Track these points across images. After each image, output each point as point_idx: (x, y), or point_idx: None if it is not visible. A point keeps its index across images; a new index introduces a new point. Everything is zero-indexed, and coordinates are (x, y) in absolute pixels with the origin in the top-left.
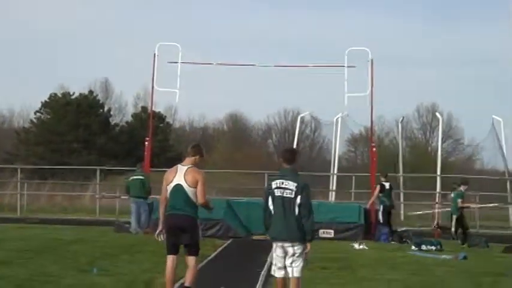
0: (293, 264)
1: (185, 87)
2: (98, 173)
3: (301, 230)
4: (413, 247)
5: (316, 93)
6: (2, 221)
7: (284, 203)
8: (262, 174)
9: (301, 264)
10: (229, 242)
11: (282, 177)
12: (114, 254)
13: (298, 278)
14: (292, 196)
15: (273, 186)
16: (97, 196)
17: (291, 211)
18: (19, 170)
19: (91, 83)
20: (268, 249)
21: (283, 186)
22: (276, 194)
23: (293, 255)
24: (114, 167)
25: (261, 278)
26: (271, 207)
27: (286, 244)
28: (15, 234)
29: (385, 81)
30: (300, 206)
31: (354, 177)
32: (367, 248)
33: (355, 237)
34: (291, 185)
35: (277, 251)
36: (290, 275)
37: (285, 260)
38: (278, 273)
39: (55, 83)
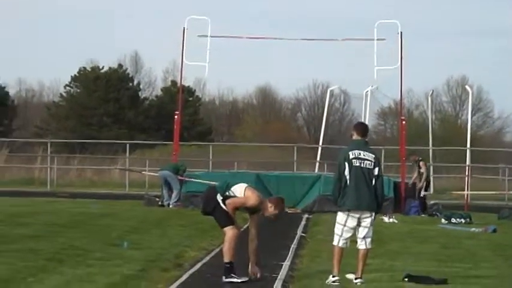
0: (367, 235)
1: (214, 61)
2: (127, 147)
3: (376, 201)
4: (443, 220)
5: (346, 66)
6: (32, 195)
7: (363, 174)
8: (291, 147)
9: (372, 235)
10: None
11: (359, 148)
12: (144, 228)
13: (369, 249)
14: (371, 167)
15: (351, 156)
16: (118, 167)
17: (369, 182)
18: (49, 144)
19: (120, 57)
20: (297, 222)
21: (361, 156)
22: (355, 164)
23: (369, 225)
24: (143, 141)
25: (291, 251)
26: (347, 177)
27: (364, 215)
28: (45, 208)
29: (415, 54)
30: (377, 177)
31: (383, 150)
32: (396, 221)
33: (384, 210)
34: (370, 156)
35: (349, 221)
36: (364, 246)
37: (356, 231)
38: (342, 243)
39: (85, 57)
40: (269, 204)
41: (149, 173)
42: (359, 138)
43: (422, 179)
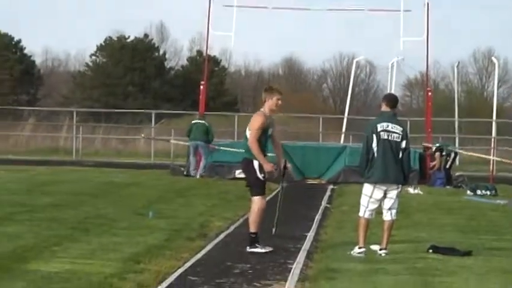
0: (392, 206)
1: (240, 31)
2: (153, 116)
3: (403, 173)
4: (468, 192)
5: (372, 37)
6: (57, 164)
7: (391, 146)
8: (317, 118)
9: (397, 207)
10: (284, 185)
11: (387, 120)
12: (169, 197)
13: (394, 220)
14: (399, 140)
15: (379, 128)
16: (144, 136)
17: (396, 155)
18: (74, 113)
19: (146, 27)
20: (322, 193)
21: (389, 129)
22: (382, 137)
23: (394, 197)
24: (169, 111)
25: (316, 222)
26: (374, 149)
27: (391, 187)
28: (70, 177)
29: (441, 25)
30: (404, 150)
31: (409, 121)
32: (422, 192)
33: (410, 181)
34: (398, 129)
35: (375, 193)
36: (389, 218)
37: (381, 202)
38: (367, 215)
39: (111, 26)
40: (267, 102)
41: (176, 141)
42: (388, 109)
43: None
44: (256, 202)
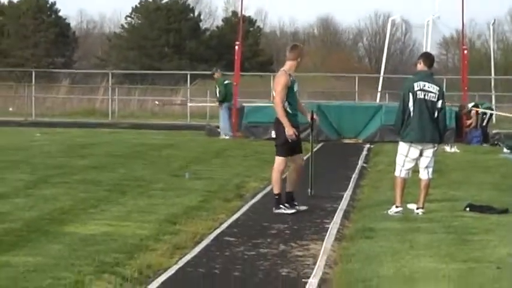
0: (429, 165)
1: None
2: (188, 77)
3: (439, 132)
4: (505, 149)
5: None
6: (93, 126)
7: (427, 106)
8: (353, 77)
9: (433, 165)
10: (320, 145)
11: (424, 79)
12: (205, 158)
13: (430, 179)
14: (435, 100)
15: (416, 87)
16: (156, 103)
17: (432, 114)
18: (110, 75)
19: None
20: (358, 152)
21: (426, 88)
22: (419, 96)
23: (431, 155)
24: (204, 71)
25: (352, 181)
26: (411, 108)
27: (427, 146)
28: (106, 139)
29: None
30: (440, 109)
31: (445, 79)
32: (458, 151)
33: (446, 140)
34: (434, 88)
35: (411, 152)
36: (426, 176)
37: (418, 161)
38: (404, 174)
39: None
40: (289, 61)
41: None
42: (425, 69)
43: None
44: (276, 162)
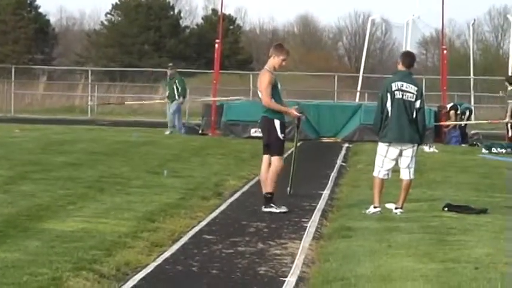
0: (410, 165)
1: None
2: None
3: (418, 132)
4: (483, 150)
5: None
6: (72, 122)
7: (405, 106)
8: (332, 76)
9: (414, 166)
10: (299, 144)
11: (402, 79)
12: (184, 156)
13: (412, 180)
14: (413, 100)
15: (393, 87)
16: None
17: (410, 114)
18: (90, 72)
19: None
20: (337, 151)
21: (404, 88)
22: (397, 96)
23: (410, 155)
24: (184, 69)
25: (331, 180)
26: (389, 108)
27: (405, 146)
28: (85, 136)
29: None
30: (418, 109)
31: (424, 79)
32: (437, 150)
33: (425, 140)
34: (412, 88)
35: (390, 153)
36: (407, 177)
37: (397, 162)
38: (382, 175)
39: None
40: (272, 59)
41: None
42: (403, 69)
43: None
44: (275, 162)
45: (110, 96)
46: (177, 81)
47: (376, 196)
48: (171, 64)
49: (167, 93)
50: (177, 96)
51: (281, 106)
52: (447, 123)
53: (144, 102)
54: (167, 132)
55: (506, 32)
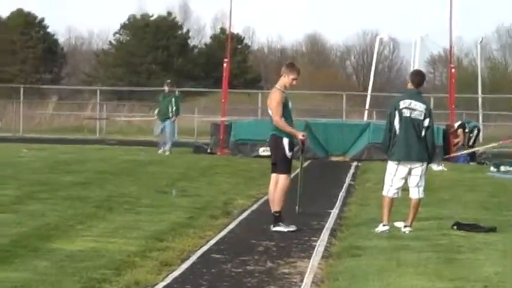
0: (419, 184)
1: (263, 8)
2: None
3: (427, 151)
4: (492, 168)
5: (395, 14)
6: (81, 142)
7: (413, 124)
8: (340, 95)
9: (424, 184)
10: (307, 163)
11: (410, 97)
12: (192, 175)
13: (421, 198)
14: (421, 118)
15: (401, 106)
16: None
17: (419, 132)
18: (98, 92)
19: (169, 5)
20: (346, 170)
21: (412, 106)
22: (405, 115)
23: (419, 174)
24: (192, 89)
25: (340, 199)
26: (396, 127)
27: (414, 165)
28: (93, 155)
29: (465, 1)
30: (427, 128)
31: (432, 98)
32: (445, 169)
33: (434, 158)
34: (421, 106)
35: (399, 171)
36: (416, 196)
37: (407, 181)
38: (392, 193)
39: (134, 4)
40: (283, 78)
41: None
42: (412, 87)
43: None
44: (283, 181)
45: (119, 116)
46: (173, 99)
47: (385, 214)
48: (169, 81)
49: (157, 110)
50: (170, 114)
51: (289, 127)
52: (456, 140)
53: (133, 119)
54: (161, 151)
55: None
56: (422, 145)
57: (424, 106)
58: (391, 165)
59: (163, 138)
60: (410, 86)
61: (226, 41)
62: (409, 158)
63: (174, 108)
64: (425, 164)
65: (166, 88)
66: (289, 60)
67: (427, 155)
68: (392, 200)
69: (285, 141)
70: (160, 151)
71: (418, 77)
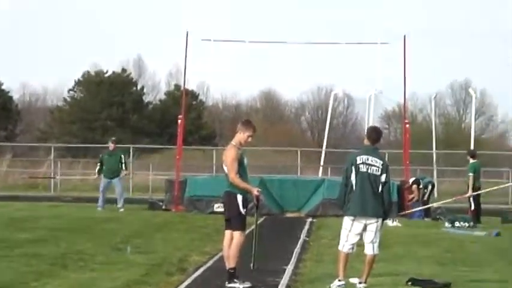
0: (374, 240)
1: (218, 64)
2: (131, 151)
3: (383, 207)
4: (446, 224)
5: (349, 70)
6: (35, 199)
7: (370, 180)
8: (295, 151)
9: (379, 241)
10: (262, 219)
11: (367, 153)
12: (147, 232)
13: (376, 254)
14: (378, 173)
15: (358, 161)
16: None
17: (375, 188)
18: (52, 149)
19: (124, 61)
20: (301, 226)
21: (369, 162)
22: (361, 170)
23: (375, 230)
24: (147, 145)
25: (295, 255)
26: (353, 182)
27: (370, 221)
28: (48, 212)
29: (419, 57)
30: (384, 184)
31: (387, 153)
32: (400, 224)
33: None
34: (378, 162)
35: (354, 227)
36: (371, 252)
37: (362, 236)
38: (347, 249)
39: (88, 61)
40: (238, 135)
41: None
42: (369, 143)
43: (417, 198)
44: (238, 237)
45: (74, 173)
46: (122, 156)
47: (340, 269)
48: (114, 138)
49: (98, 167)
50: (122, 171)
51: (245, 183)
52: (411, 196)
53: (77, 177)
54: (100, 209)
55: (468, 105)
56: (378, 201)
57: (381, 162)
58: (346, 220)
59: (105, 196)
60: (366, 142)
61: (181, 97)
62: (365, 213)
63: (124, 164)
64: (380, 220)
65: (112, 145)
66: (244, 116)
67: (383, 211)
68: (347, 255)
69: (239, 197)
70: (100, 208)
71: (374, 133)
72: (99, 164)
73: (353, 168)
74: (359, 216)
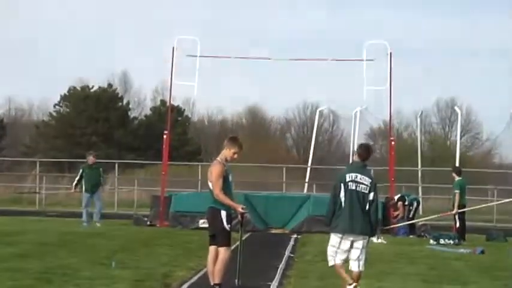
0: (360, 257)
1: (203, 80)
2: (116, 166)
3: (370, 225)
4: (431, 241)
5: (335, 87)
6: (20, 214)
7: (358, 197)
8: (280, 168)
9: (364, 258)
10: (247, 235)
11: (356, 171)
12: (132, 247)
13: (361, 271)
14: (366, 192)
15: (347, 179)
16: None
17: (363, 206)
18: (38, 164)
19: (110, 77)
20: (285, 242)
21: (357, 180)
22: (350, 188)
23: (361, 247)
24: (132, 161)
25: (279, 271)
26: (342, 199)
27: (356, 238)
28: (33, 227)
29: (404, 75)
30: (371, 202)
31: (372, 170)
32: (385, 242)
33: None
34: (366, 180)
35: (342, 244)
36: (357, 269)
37: (349, 253)
38: (338, 260)
39: (74, 76)
40: (224, 151)
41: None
42: (358, 160)
43: (402, 215)
44: (223, 253)
45: (59, 188)
46: (101, 169)
47: (345, 277)
48: (92, 152)
49: (76, 182)
50: (100, 184)
51: (229, 200)
52: (396, 213)
53: (62, 192)
54: (86, 225)
55: (454, 123)
56: (366, 219)
57: (369, 180)
58: (333, 238)
59: (88, 211)
60: (356, 158)
61: (167, 113)
62: (353, 231)
63: (103, 178)
64: (367, 238)
65: (92, 159)
66: (230, 133)
67: (370, 228)
68: (342, 264)
69: (223, 213)
70: (85, 224)
71: (365, 150)
72: (78, 178)
73: (342, 185)
74: (347, 234)
